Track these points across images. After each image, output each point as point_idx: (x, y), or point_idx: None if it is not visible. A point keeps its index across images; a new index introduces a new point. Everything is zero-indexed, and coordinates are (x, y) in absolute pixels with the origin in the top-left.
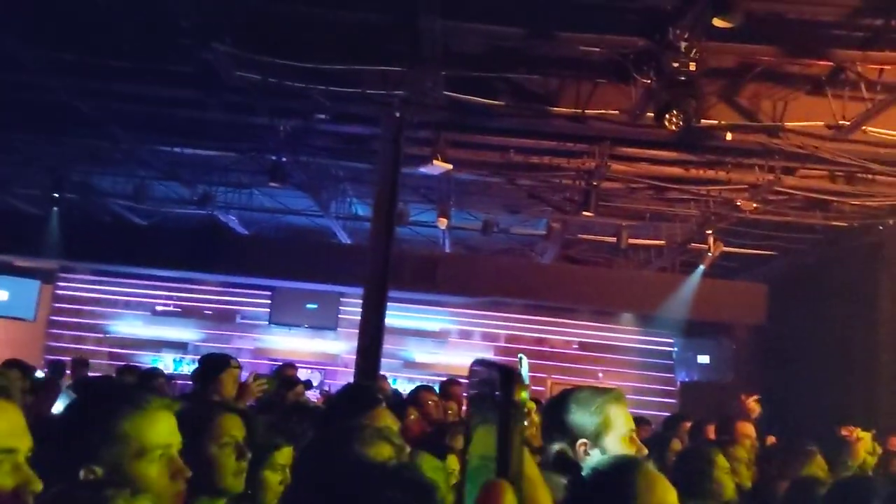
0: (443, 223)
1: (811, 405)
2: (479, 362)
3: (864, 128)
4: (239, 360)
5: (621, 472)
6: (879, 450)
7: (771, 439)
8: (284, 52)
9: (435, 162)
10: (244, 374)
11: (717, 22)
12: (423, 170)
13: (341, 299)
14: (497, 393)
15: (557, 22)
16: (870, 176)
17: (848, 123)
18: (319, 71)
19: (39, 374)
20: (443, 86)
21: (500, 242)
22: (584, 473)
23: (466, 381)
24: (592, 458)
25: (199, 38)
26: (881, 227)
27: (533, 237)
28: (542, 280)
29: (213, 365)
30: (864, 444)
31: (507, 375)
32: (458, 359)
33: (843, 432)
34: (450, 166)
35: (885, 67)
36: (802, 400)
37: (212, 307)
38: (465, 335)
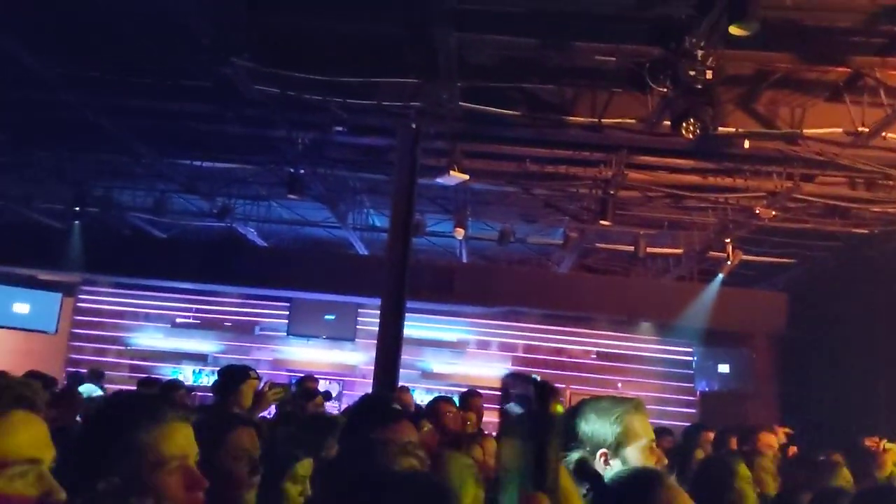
0: (460, 233)
1: (833, 415)
2: (513, 376)
3: (883, 134)
4: (258, 371)
5: (642, 484)
6: None
7: (793, 450)
8: (301, 66)
9: (451, 172)
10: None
11: (733, 30)
12: (439, 180)
13: (359, 310)
14: (526, 407)
15: (572, 32)
16: (890, 182)
17: (867, 130)
18: (336, 83)
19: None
20: (459, 97)
21: (517, 252)
22: (605, 483)
23: (499, 393)
24: (613, 468)
25: (218, 54)
26: None
27: (550, 246)
28: (560, 289)
29: (233, 376)
30: (891, 455)
31: (543, 390)
32: (476, 369)
33: (868, 443)
34: (466, 176)
35: None
36: (824, 410)
37: (231, 319)
38: (483, 345)
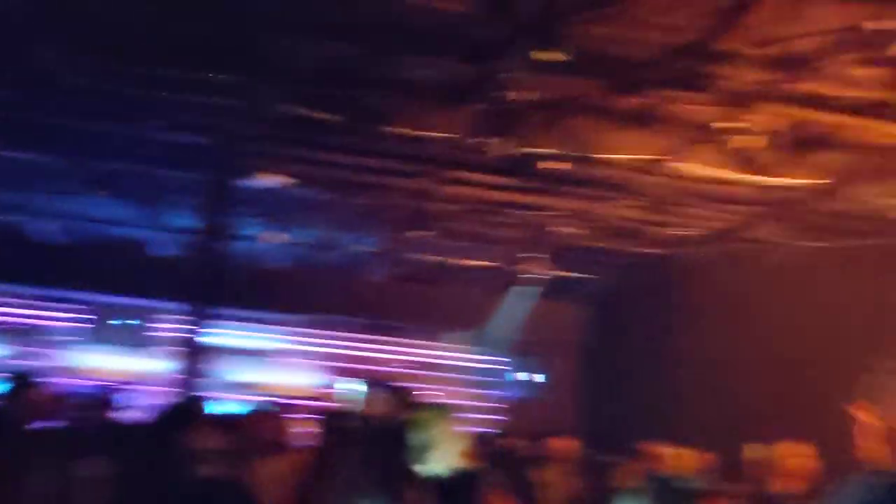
0: (275, 238)
1: (629, 421)
2: (373, 383)
3: (672, 163)
4: (49, 378)
5: (467, 483)
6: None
7: (582, 454)
8: (118, 56)
9: (269, 175)
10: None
11: (541, 55)
12: (256, 183)
13: (163, 316)
14: (377, 416)
15: (393, 45)
16: (678, 207)
17: (659, 157)
18: (153, 77)
19: None
20: (279, 99)
21: (334, 259)
22: (432, 483)
23: (333, 404)
24: (427, 471)
25: (28, 38)
26: (687, 255)
27: (366, 255)
28: (375, 298)
29: (19, 382)
30: (670, 459)
31: (403, 398)
32: (287, 378)
33: (648, 448)
34: (285, 180)
35: (692, 107)
36: (626, 419)
37: (21, 322)
38: (295, 354)
